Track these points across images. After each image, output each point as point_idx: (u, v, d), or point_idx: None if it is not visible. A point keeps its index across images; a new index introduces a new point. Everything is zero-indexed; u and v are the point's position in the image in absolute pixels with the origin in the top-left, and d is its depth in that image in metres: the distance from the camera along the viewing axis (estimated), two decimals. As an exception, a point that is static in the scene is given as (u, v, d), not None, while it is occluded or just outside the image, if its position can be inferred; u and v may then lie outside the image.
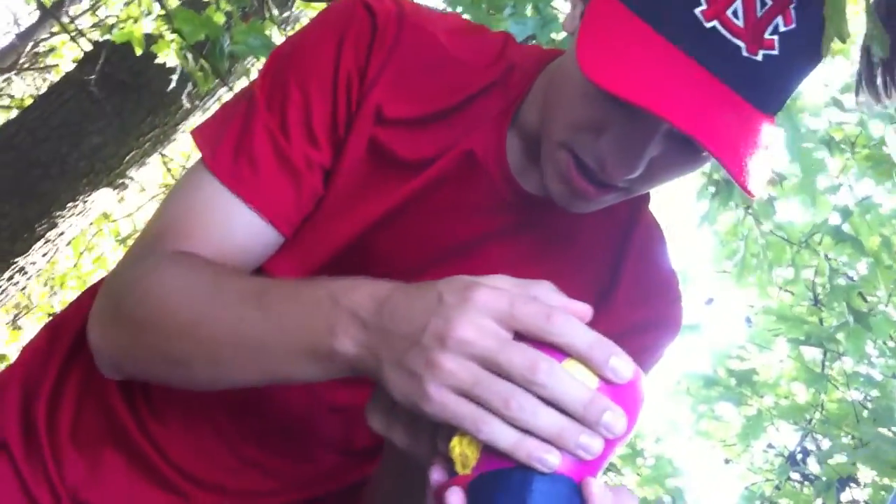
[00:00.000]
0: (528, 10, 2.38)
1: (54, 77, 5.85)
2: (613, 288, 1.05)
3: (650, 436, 5.60)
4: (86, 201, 4.12)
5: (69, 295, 6.41)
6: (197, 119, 4.29)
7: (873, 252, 3.81)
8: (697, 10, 0.80)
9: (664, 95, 0.79)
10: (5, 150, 4.14)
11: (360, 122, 0.99)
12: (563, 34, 2.38)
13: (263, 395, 1.04)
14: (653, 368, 1.11)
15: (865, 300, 4.08)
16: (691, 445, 5.73)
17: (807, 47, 0.83)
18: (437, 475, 0.73)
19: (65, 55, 5.91)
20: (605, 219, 1.04)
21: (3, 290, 4.20)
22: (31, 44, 5.82)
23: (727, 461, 5.78)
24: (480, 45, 1.04)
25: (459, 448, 0.71)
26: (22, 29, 5.91)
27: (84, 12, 5.60)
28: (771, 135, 0.85)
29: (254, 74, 3.54)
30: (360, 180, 1.00)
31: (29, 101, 5.43)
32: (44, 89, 5.42)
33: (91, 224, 5.49)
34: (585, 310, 0.73)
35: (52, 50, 6.03)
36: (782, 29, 0.81)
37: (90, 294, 1.13)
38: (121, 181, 4.19)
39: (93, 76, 3.84)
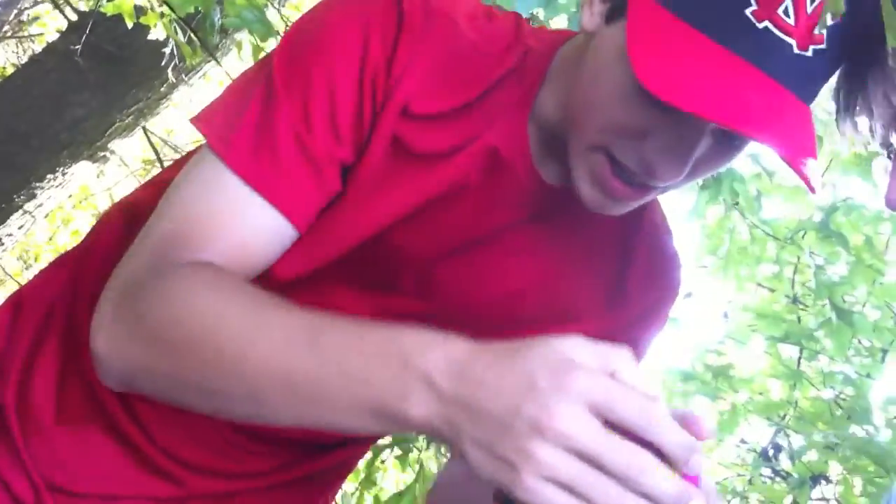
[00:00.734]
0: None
1: (38, 47, 5.77)
2: (626, 273, 1.06)
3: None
4: (65, 173, 4.08)
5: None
6: (182, 94, 4.25)
7: (855, 251, 3.83)
8: (748, 11, 0.80)
9: (728, 102, 0.78)
10: (-14, 120, 4.09)
11: (385, 118, 0.95)
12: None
13: None
14: (658, 334, 1.15)
15: (843, 300, 4.10)
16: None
17: (853, 40, 0.83)
18: None
19: (49, 25, 5.84)
20: None
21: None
22: (14, 12, 5.74)
23: (699, 455, 5.80)
24: (496, 30, 1.01)
25: None
26: (5, -3, 5.82)
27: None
28: (807, 115, 0.85)
29: (245, 50, 3.51)
30: (381, 175, 0.97)
31: (11, 71, 5.37)
32: (26, 59, 5.35)
33: (69, 197, 5.44)
34: (656, 393, 0.70)
35: (36, 18, 5.95)
36: (830, 23, 0.80)
37: (57, 266, 1.09)
38: (102, 154, 4.15)
39: (77, 46, 3.79)
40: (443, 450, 2.88)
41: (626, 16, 0.85)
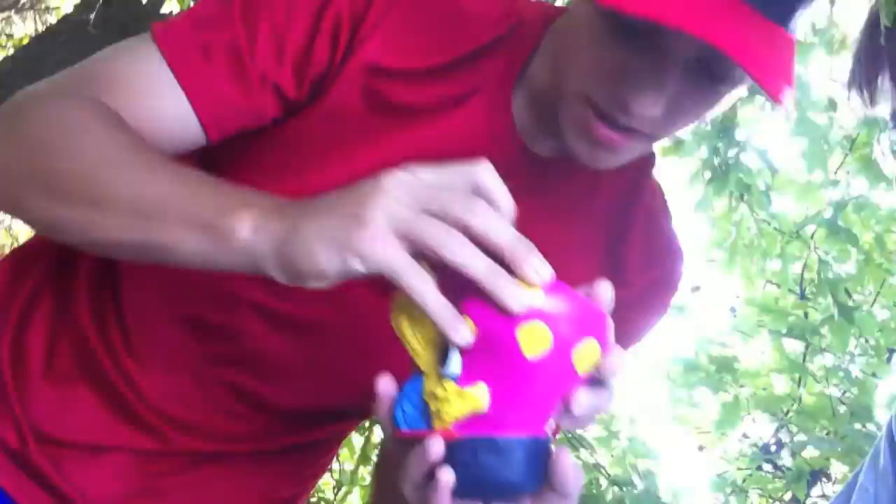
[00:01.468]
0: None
1: (55, 19, 5.78)
2: (623, 251, 1.05)
3: (625, 417, 5.62)
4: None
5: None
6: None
7: (865, 249, 3.82)
8: None
9: (674, 8, 0.79)
10: (2, 89, 4.10)
11: (350, 69, 0.96)
12: None
13: (243, 347, 1.03)
14: (657, 322, 1.13)
15: (851, 297, 4.09)
16: (666, 430, 5.76)
17: None
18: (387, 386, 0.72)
19: (66, -4, 5.85)
20: (612, 182, 1.03)
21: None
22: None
23: (701, 448, 5.80)
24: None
25: (411, 338, 0.70)
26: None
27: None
28: (787, 43, 0.84)
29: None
30: (355, 126, 0.98)
31: (26, 42, 5.37)
32: (42, 29, 5.37)
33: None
34: (510, 205, 0.71)
35: (53, -11, 5.96)
36: None
37: None
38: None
39: (92, 15, 3.80)
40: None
41: None
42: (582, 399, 0.69)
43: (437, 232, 0.66)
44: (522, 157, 1.00)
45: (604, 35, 0.87)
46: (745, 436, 5.17)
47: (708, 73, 0.86)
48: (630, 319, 1.07)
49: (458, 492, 0.68)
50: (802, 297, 4.37)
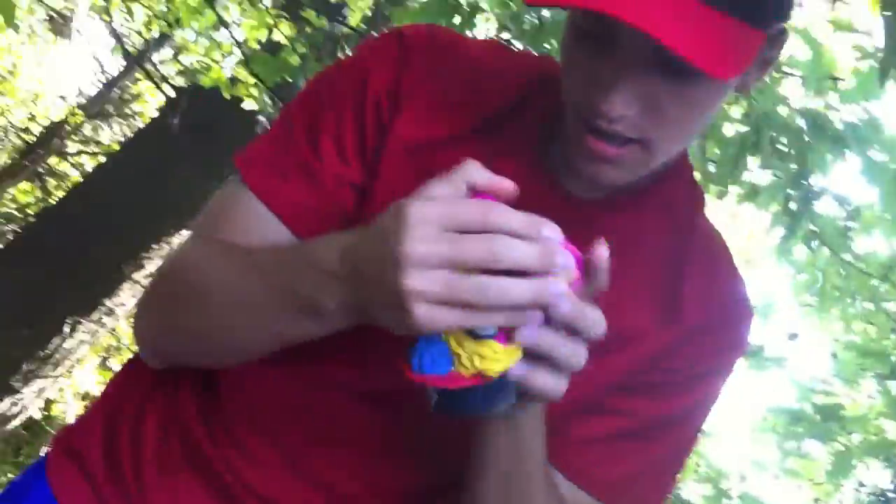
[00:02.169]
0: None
1: (140, 123, 6.03)
2: (680, 288, 1.04)
3: (735, 474, 5.48)
4: (170, 242, 4.23)
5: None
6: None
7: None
8: None
9: None
10: (94, 195, 4.28)
11: (394, 140, 1.01)
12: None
13: (338, 426, 1.05)
14: (722, 387, 1.08)
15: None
16: (778, 485, 5.59)
17: None
18: None
19: (149, 101, 6.10)
20: (660, 222, 1.04)
21: (94, 332, 4.32)
22: (117, 91, 6.03)
23: (817, 501, 5.62)
24: (516, 59, 1.07)
25: (458, 348, 0.77)
26: (108, 77, 6.12)
27: (166, 60, 5.77)
28: (727, 25, 0.84)
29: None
30: (403, 196, 1.01)
31: (116, 148, 5.60)
32: (130, 135, 5.59)
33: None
34: (509, 186, 0.79)
35: (137, 96, 6.23)
36: None
37: None
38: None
39: (176, 121, 3.95)
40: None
41: None
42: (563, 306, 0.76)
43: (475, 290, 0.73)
44: (565, 202, 1.01)
45: (572, 45, 0.91)
46: (861, 484, 5.00)
47: (671, 68, 0.86)
48: (699, 354, 1.04)
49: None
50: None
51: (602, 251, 0.79)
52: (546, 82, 1.03)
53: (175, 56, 5.79)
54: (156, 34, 5.27)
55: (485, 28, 3.28)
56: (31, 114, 7.24)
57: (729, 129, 3.31)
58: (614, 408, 1.03)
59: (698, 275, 1.04)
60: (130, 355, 1.25)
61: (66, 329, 4.13)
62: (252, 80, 3.52)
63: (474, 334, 0.76)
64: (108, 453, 1.11)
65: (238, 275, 0.94)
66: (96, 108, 6.14)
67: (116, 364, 6.83)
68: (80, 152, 6.48)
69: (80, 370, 6.44)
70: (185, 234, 4.24)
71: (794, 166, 3.14)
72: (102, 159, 5.63)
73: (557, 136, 1.01)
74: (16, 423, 4.32)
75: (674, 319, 1.01)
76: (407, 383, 0.94)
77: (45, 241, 4.20)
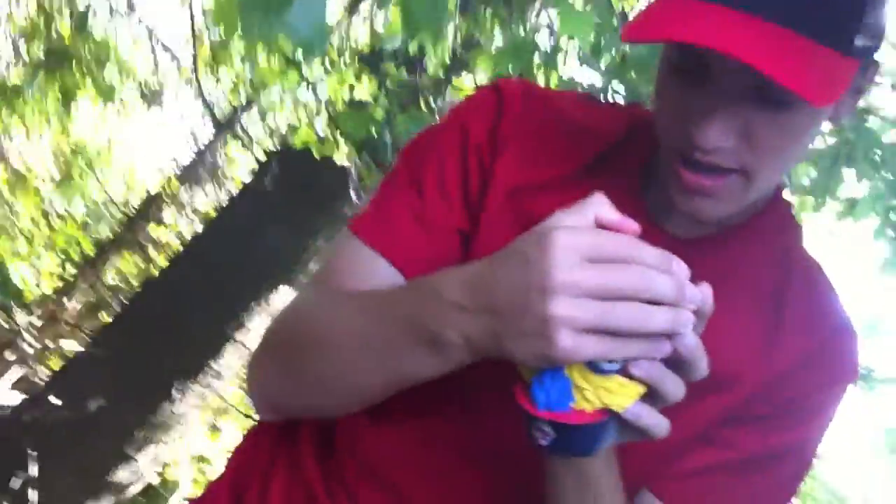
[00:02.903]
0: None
1: (234, 187, 6.17)
2: (779, 323, 1.02)
3: (856, 498, 5.29)
4: (268, 300, 4.31)
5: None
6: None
7: None
8: None
9: (674, 24, 0.82)
10: (194, 261, 4.40)
11: (495, 188, 1.04)
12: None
13: (445, 482, 1.06)
14: (831, 416, 1.06)
15: None
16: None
17: None
18: None
19: (240, 164, 6.24)
20: (761, 255, 1.03)
21: (202, 395, 4.40)
22: (209, 158, 6.19)
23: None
24: (607, 108, 1.10)
25: (583, 382, 0.77)
26: (202, 145, 6.29)
27: (253, 122, 5.89)
28: (822, 54, 0.83)
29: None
30: (506, 239, 1.02)
31: (212, 213, 5.74)
32: (225, 199, 5.73)
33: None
34: (635, 226, 0.79)
35: (229, 160, 6.37)
36: None
37: None
38: (299, 277, 4.36)
39: (266, 181, 4.04)
40: None
41: None
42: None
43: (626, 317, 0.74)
44: (667, 244, 1.00)
45: (666, 81, 0.92)
46: None
47: (766, 97, 0.86)
48: (804, 381, 1.02)
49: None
50: None
51: (707, 293, 0.79)
52: (639, 127, 1.05)
53: (262, 118, 5.93)
54: (242, 98, 5.41)
55: (565, 69, 3.30)
56: (127, 185, 7.47)
57: (818, 142, 3.26)
58: (719, 440, 1.03)
59: (799, 306, 1.04)
60: (241, 417, 1.29)
61: (176, 394, 4.21)
62: (340, 138, 3.58)
63: (598, 369, 0.75)
64: None
65: (358, 313, 0.95)
66: (191, 175, 6.31)
67: (226, 425, 6.93)
68: (176, 220, 6.65)
69: (192, 434, 6.56)
70: (283, 291, 4.30)
71: (891, 176, 3.06)
72: (199, 225, 5.79)
73: (655, 178, 1.01)
74: (134, 489, 4.42)
75: (776, 353, 0.99)
76: (510, 441, 0.94)
77: (150, 310, 4.32)
